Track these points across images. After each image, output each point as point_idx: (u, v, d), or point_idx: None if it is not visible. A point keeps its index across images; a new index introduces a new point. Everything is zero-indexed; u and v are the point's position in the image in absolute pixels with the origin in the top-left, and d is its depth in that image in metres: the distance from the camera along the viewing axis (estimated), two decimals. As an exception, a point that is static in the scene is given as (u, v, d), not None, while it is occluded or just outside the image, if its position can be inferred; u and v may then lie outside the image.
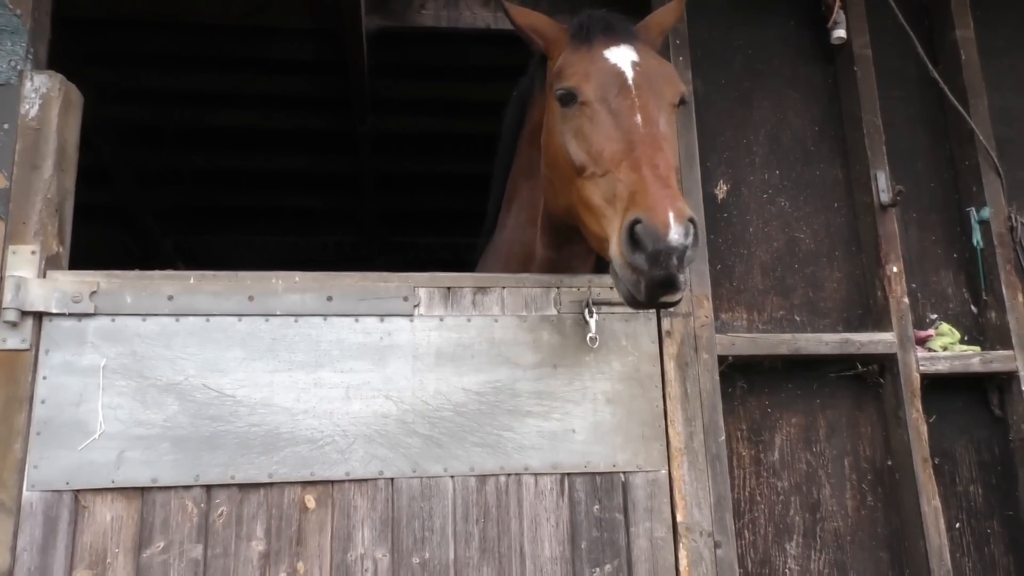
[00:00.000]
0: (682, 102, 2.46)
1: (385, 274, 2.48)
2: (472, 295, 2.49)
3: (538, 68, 2.75)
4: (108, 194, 6.42)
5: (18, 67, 2.41)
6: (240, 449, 2.24)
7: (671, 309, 2.57)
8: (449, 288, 2.49)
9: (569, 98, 2.34)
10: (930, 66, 3.14)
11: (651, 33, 2.61)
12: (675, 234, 1.92)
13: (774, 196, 3.04)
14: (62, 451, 2.16)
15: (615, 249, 2.06)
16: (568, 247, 2.73)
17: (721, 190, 3.01)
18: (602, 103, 2.29)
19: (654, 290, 2.00)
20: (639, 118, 2.23)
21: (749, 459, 2.76)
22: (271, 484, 2.25)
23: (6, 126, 2.36)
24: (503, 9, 2.67)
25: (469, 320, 2.47)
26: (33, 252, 2.28)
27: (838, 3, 3.10)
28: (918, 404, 2.75)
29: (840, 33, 3.08)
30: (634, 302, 2.10)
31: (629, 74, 2.32)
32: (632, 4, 2.95)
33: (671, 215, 1.94)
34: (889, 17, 3.15)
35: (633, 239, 1.98)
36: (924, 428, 2.74)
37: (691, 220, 1.97)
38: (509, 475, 2.36)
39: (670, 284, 1.98)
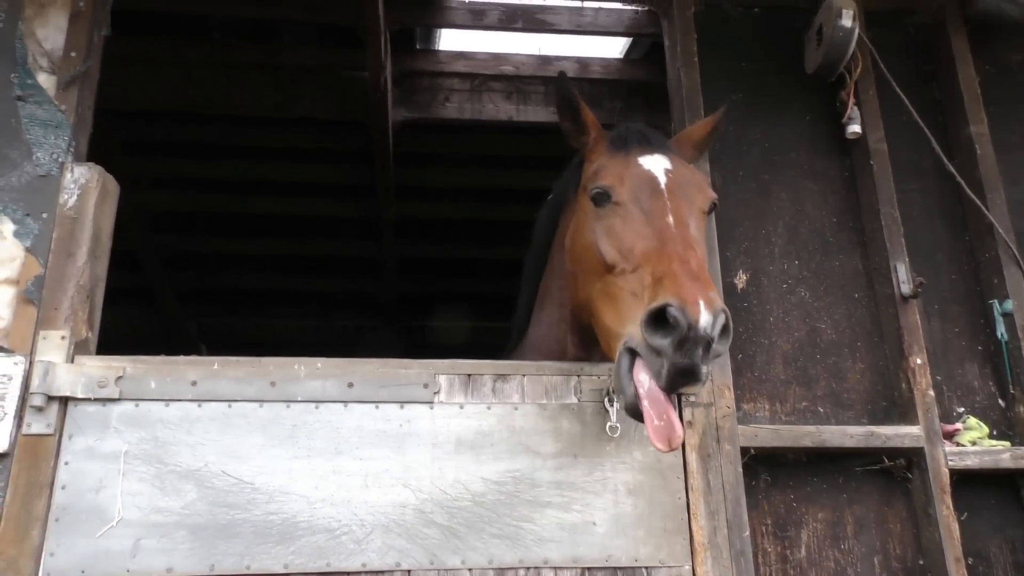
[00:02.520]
0: (712, 209, 2.56)
1: (406, 361, 2.49)
2: (492, 382, 2.49)
3: (574, 173, 2.85)
4: (135, 277, 6.55)
5: (59, 159, 2.51)
6: (256, 538, 2.22)
7: (692, 397, 2.56)
8: (469, 375, 2.49)
9: (603, 198, 2.44)
10: (946, 160, 3.18)
11: (683, 145, 2.73)
12: (705, 321, 1.92)
13: (794, 286, 3.05)
14: (79, 538, 2.15)
15: (636, 334, 2.07)
16: (597, 347, 2.76)
17: (740, 280, 3.02)
18: (635, 204, 2.38)
19: (675, 378, 1.98)
20: (671, 219, 2.31)
21: (775, 555, 2.68)
22: (287, 575, 2.21)
23: (45, 215, 2.44)
24: (570, 99, 2.68)
25: (489, 408, 2.46)
26: (63, 337, 2.32)
27: (852, 99, 3.18)
28: (948, 501, 2.68)
29: (855, 128, 3.15)
30: (630, 410, 2.12)
31: (662, 179, 2.43)
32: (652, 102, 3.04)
33: (702, 302, 1.95)
34: (903, 113, 3.21)
35: (658, 323, 1.98)
36: (955, 526, 2.66)
37: (724, 311, 1.98)
38: (528, 568, 2.31)
39: (692, 374, 1.97)
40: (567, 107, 2.70)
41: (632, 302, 2.19)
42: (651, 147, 2.55)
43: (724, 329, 1.98)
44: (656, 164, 2.48)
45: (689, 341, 1.92)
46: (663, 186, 2.41)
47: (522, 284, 3.32)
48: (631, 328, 2.13)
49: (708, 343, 1.94)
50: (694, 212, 2.40)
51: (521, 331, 3.27)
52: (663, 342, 1.97)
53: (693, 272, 2.09)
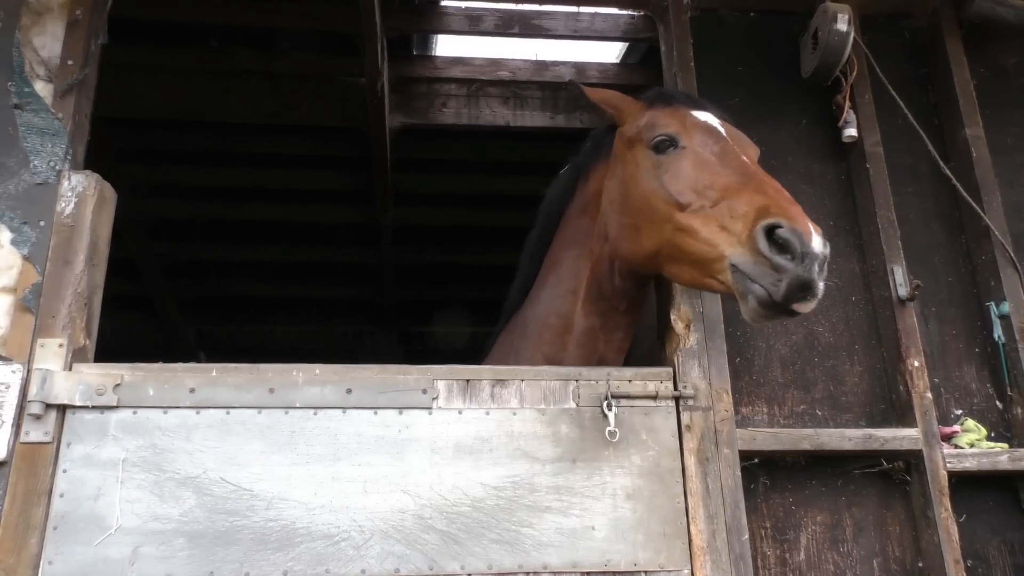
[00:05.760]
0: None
1: (404, 367, 2.49)
2: (491, 388, 2.49)
3: (604, 138, 2.90)
4: (134, 284, 6.55)
5: (57, 167, 2.51)
6: (255, 545, 2.22)
7: (690, 401, 2.56)
8: (468, 380, 2.49)
9: (668, 144, 2.50)
10: (942, 163, 3.19)
11: None
12: (817, 241, 2.01)
13: (791, 289, 3.05)
14: (77, 546, 2.14)
15: (745, 252, 2.10)
16: (614, 316, 2.81)
17: (738, 283, 3.02)
18: (703, 147, 2.46)
19: (793, 292, 2.02)
20: (746, 158, 2.40)
21: (774, 559, 2.68)
22: (285, 582, 2.20)
23: (42, 223, 2.44)
24: (577, 88, 2.89)
25: (488, 413, 2.46)
26: (60, 345, 2.32)
27: (848, 103, 3.19)
28: (947, 503, 2.68)
29: (851, 132, 3.16)
30: (768, 304, 2.08)
31: (721, 129, 2.53)
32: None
33: (810, 225, 2.03)
34: (899, 116, 3.22)
35: (773, 241, 2.04)
36: (954, 528, 2.66)
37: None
38: (528, 573, 2.31)
39: (810, 288, 2.02)
40: (584, 102, 2.88)
41: (720, 234, 2.22)
42: (699, 104, 2.65)
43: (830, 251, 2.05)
44: (710, 117, 2.57)
45: (808, 257, 1.98)
46: (725, 134, 2.50)
47: (521, 262, 3.29)
48: (732, 249, 2.15)
49: (824, 261, 2.00)
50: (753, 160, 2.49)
51: (512, 310, 3.23)
52: (781, 259, 2.01)
53: (790, 198, 2.16)
